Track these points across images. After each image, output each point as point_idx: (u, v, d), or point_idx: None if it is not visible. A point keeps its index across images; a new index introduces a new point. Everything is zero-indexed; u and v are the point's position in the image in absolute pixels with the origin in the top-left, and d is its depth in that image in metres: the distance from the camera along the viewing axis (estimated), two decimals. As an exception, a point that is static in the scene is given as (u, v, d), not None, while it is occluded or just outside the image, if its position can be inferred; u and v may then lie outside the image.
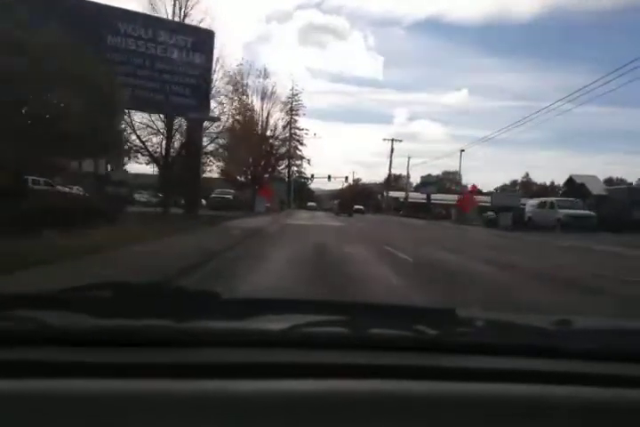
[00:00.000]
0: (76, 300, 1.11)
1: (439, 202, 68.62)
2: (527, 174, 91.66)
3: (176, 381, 0.89)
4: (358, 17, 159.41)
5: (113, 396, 0.86)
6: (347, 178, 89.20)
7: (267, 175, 48.53)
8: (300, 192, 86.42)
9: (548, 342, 1.12)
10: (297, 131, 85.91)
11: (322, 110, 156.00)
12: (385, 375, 0.95)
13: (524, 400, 0.94)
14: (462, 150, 55.40)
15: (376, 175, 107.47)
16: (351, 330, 1.08)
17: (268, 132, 48.06)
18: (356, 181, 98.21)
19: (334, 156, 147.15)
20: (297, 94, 73.11)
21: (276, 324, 1.07)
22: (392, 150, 72.43)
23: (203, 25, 25.37)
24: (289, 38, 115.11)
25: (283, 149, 52.27)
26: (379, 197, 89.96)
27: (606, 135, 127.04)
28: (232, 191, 45.99)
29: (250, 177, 46.59)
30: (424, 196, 68.22)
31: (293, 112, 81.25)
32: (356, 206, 59.73)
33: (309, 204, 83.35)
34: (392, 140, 74.35)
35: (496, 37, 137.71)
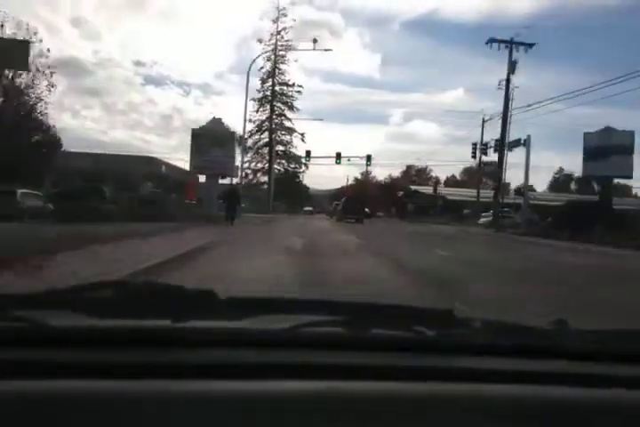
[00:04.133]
0: (76, 299, 1.12)
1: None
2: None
3: (175, 381, 0.90)
4: (353, 16, 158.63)
5: (112, 396, 0.86)
6: (369, 157, 53.86)
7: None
8: (288, 188, 59.92)
9: (546, 343, 1.12)
10: (284, 88, 53.50)
11: (315, 110, 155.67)
12: (384, 376, 0.95)
13: (522, 401, 0.94)
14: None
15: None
16: (350, 330, 1.08)
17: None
18: (365, 174, 76.48)
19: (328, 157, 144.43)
20: (284, 30, 46.88)
21: (275, 324, 1.07)
22: (508, 81, 35.01)
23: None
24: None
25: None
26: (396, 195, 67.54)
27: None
28: None
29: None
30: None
31: (278, 58, 49.78)
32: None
33: (306, 208, 63.54)
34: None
35: (492, 36, 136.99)
